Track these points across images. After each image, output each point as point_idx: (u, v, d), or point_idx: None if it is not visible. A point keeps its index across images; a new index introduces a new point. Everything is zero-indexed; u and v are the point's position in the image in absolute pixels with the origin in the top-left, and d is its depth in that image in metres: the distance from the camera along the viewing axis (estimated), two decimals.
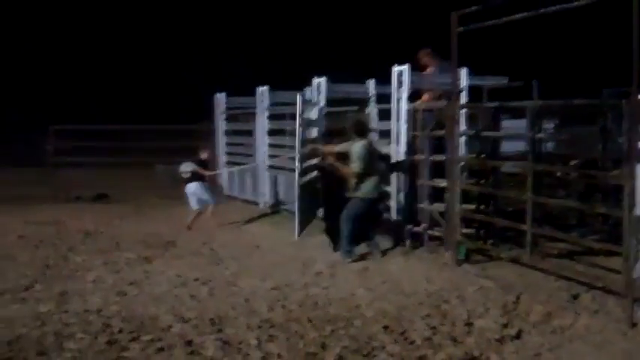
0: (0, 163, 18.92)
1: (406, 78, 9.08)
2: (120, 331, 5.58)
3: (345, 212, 8.45)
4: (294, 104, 9.88)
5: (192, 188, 10.95)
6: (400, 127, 9.19)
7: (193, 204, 10.99)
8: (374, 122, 10.44)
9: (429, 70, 9.66)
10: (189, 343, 5.28)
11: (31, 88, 28.03)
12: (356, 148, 8.42)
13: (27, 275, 7.64)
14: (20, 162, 18.56)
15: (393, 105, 9.31)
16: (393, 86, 9.23)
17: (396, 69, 9.18)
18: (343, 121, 10.04)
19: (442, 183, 8.43)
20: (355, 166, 8.36)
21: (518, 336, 5.48)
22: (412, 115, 9.09)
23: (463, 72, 9.14)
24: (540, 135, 8.21)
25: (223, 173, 14.00)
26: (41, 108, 25.03)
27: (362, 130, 8.68)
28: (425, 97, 9.45)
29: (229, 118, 14.71)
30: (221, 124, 14.68)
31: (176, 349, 5.13)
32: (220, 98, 14.39)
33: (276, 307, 6.33)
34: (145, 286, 7.19)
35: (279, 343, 5.29)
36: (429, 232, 8.77)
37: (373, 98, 10.64)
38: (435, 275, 7.44)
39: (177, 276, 7.64)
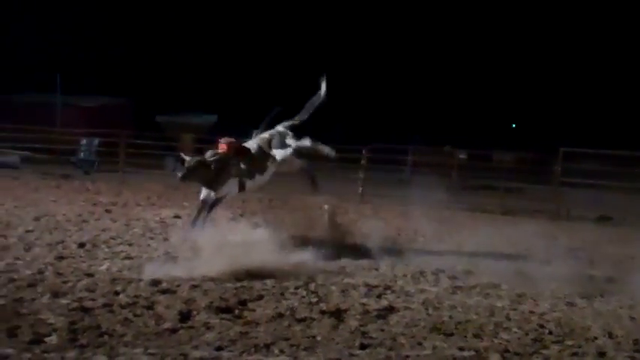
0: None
1: None
2: (550, 333, 6.45)
3: None
4: None
5: None
6: None
7: None
8: None
9: None
10: (602, 354, 5.88)
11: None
12: None
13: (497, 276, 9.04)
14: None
15: None
16: None
17: None
18: None
19: None
20: None
21: None
22: None
23: None
24: None
25: None
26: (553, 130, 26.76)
27: None
28: None
29: None
30: None
31: (587, 357, 5.81)
32: None
33: None
34: (596, 302, 7.83)
35: None
36: None
37: None
38: None
39: (630, 298, 8.06)
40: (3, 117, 25.11)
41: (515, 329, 6.49)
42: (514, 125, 48.61)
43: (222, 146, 9.66)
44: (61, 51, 37.55)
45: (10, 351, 4.91)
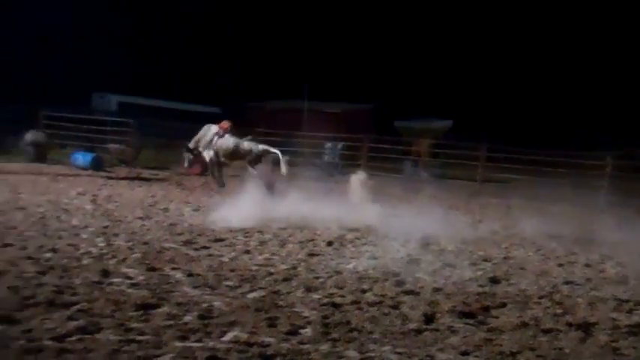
0: None
1: None
2: None
3: None
4: None
5: None
6: None
7: None
8: None
9: None
10: None
11: None
12: None
13: None
14: None
15: None
16: None
17: None
18: None
19: None
20: None
21: None
22: None
23: None
24: None
25: None
26: None
27: None
28: None
29: None
30: None
31: None
32: None
33: None
34: None
35: None
36: None
37: None
38: None
39: None
40: (258, 121, 26.99)
41: None
42: None
43: None
44: (309, 60, 40.10)
45: (270, 340, 5.32)
